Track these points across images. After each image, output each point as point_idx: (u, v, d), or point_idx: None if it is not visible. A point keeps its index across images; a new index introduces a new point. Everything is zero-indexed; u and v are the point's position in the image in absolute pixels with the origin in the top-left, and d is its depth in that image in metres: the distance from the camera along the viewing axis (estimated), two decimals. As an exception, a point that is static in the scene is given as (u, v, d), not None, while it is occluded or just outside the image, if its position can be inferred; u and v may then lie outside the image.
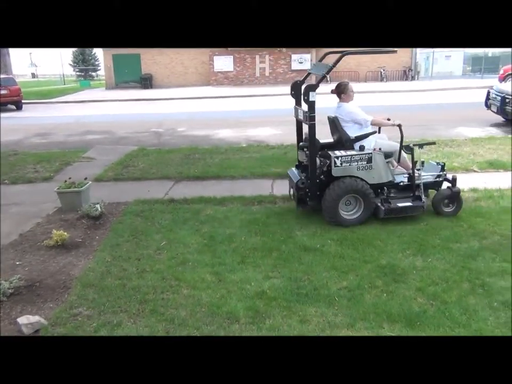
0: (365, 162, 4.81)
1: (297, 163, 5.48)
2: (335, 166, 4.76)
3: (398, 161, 5.19)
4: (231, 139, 10.68)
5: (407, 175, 5.17)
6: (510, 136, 9.55)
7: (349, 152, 4.85)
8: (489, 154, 7.84)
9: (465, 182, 6.20)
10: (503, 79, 21.30)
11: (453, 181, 5.15)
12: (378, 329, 3.08)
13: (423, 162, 5.21)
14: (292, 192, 5.37)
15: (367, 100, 18.99)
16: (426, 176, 5.16)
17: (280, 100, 19.42)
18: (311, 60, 28.36)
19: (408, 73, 29.59)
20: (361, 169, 4.82)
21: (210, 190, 6.28)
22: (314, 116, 4.68)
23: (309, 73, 5.52)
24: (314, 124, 4.72)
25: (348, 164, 4.79)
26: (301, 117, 5.05)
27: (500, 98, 10.65)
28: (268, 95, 22.12)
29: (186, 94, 23.35)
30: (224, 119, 14.11)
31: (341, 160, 4.76)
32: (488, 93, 11.53)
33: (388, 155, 5.02)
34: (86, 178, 5.92)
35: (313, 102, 4.61)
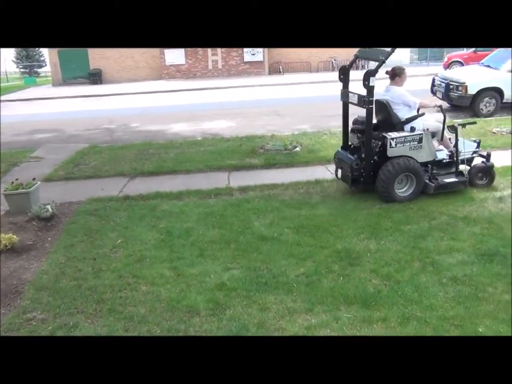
0: (416, 142, 5.10)
1: (342, 145, 5.71)
2: (390, 147, 5.01)
3: (441, 140, 5.48)
4: (185, 133, 10.57)
5: (449, 153, 5.46)
6: (454, 120, 9.98)
7: (402, 134, 5.11)
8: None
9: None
10: (447, 66, 22.15)
11: (487, 156, 5.52)
12: (336, 311, 3.17)
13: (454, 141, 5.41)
14: (339, 173, 5.60)
15: (320, 89, 19.28)
16: (465, 153, 5.44)
17: (234, 92, 19.38)
18: (263, 52, 28.40)
19: (359, 63, 30.23)
20: (413, 149, 5.10)
21: (166, 185, 6.20)
22: (373, 100, 4.96)
23: (357, 57, 5.65)
24: (373, 107, 5.01)
25: (402, 145, 5.06)
26: (352, 100, 5.25)
27: (444, 84, 11.08)
28: (221, 87, 21.99)
29: (138, 89, 22.81)
30: (177, 113, 13.92)
31: (395, 141, 5.03)
32: (434, 80, 11.97)
33: (432, 134, 5.31)
34: (34, 179, 5.69)
35: (373, 87, 4.88)
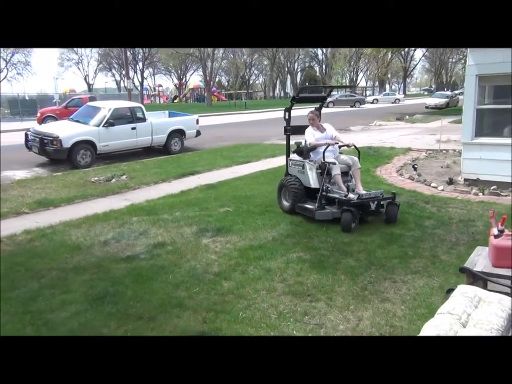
0: (301, 167, 6.29)
1: None
2: (289, 166, 6.58)
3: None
4: None
5: (343, 193, 5.87)
6: (54, 174, 10.08)
7: (295, 158, 6.49)
8: (38, 194, 7.97)
9: (17, 225, 6.06)
10: (42, 121, 22.29)
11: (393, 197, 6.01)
12: None
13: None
14: None
15: None
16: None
17: None
18: None
19: None
20: (299, 173, 6.31)
21: None
22: (289, 128, 6.72)
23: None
24: (289, 134, 6.78)
25: (294, 167, 6.44)
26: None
27: (38, 139, 11.04)
28: None
29: None
30: None
31: (291, 163, 6.51)
32: (27, 135, 11.75)
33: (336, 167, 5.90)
34: None
35: (288, 119, 6.71)
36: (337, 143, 6.24)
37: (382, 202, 5.94)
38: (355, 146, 6.24)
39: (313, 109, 6.67)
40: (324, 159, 5.96)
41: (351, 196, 5.74)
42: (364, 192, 5.86)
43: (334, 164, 5.88)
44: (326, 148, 6.03)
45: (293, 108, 6.80)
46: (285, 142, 7.04)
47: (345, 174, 6.12)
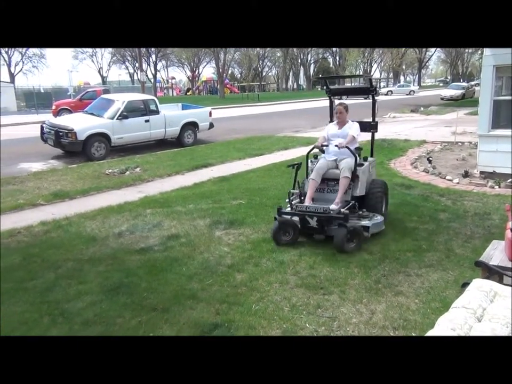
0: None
1: None
2: None
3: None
4: None
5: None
6: (69, 166, 10.19)
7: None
8: (53, 186, 8.08)
9: (34, 217, 6.16)
10: (56, 113, 22.49)
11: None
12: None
13: None
14: None
15: None
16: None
17: None
18: None
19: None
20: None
21: None
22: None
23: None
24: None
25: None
26: None
27: (53, 132, 11.15)
28: None
29: None
30: None
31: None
32: (42, 127, 11.88)
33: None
34: None
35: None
36: (327, 145, 5.41)
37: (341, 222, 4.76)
38: (348, 148, 5.15)
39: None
40: (307, 161, 5.57)
41: (302, 206, 4.98)
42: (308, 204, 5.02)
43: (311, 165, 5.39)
44: (311, 150, 5.55)
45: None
46: (297, 135, 6.85)
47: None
